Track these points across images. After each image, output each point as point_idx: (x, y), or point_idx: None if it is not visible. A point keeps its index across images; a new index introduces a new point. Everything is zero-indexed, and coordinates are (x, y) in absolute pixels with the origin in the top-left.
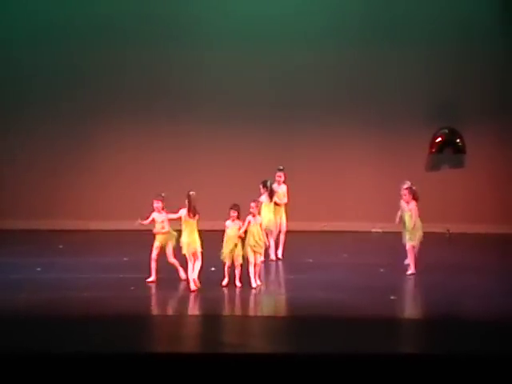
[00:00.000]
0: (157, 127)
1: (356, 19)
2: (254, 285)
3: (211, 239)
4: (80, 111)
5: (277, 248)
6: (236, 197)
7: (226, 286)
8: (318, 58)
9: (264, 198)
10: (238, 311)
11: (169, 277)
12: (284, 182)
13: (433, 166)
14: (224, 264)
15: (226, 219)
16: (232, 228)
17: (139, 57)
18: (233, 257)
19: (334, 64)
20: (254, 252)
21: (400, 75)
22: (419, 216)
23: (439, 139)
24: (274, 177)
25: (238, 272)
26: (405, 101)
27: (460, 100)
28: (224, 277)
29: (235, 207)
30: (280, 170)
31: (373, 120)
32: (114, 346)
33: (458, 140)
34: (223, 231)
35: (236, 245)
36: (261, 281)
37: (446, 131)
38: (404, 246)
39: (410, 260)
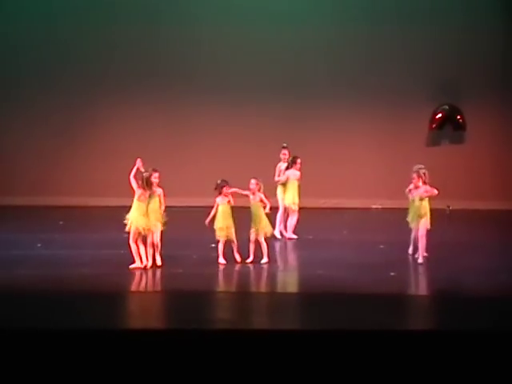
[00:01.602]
0: (155, 103)
1: None
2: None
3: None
4: (77, 87)
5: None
6: (234, 173)
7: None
8: (321, 34)
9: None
10: (238, 288)
11: (170, 254)
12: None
13: (433, 142)
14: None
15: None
16: (225, 204)
17: (134, 33)
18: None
19: (338, 40)
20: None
21: (401, 52)
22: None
23: (439, 116)
24: (279, 154)
25: (235, 247)
26: (406, 78)
27: (461, 77)
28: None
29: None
30: (284, 147)
31: (373, 97)
32: (113, 322)
33: (458, 117)
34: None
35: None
36: (255, 257)
37: (447, 107)
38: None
39: (421, 246)
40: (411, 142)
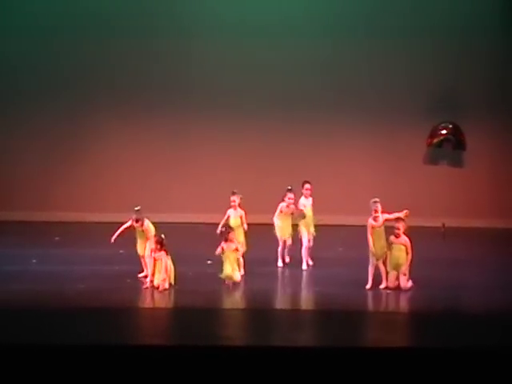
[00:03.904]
0: (153, 117)
1: (358, 11)
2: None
3: (208, 232)
4: (75, 102)
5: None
6: (234, 188)
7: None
8: (318, 50)
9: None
10: (234, 305)
11: None
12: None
13: (431, 159)
14: None
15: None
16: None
17: (136, 46)
18: None
19: (336, 56)
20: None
21: (400, 68)
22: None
23: (439, 134)
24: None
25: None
26: (405, 95)
27: (460, 95)
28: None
29: None
30: (307, 182)
31: (371, 114)
32: (109, 339)
33: (458, 136)
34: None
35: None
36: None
37: (449, 126)
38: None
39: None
40: (409, 159)
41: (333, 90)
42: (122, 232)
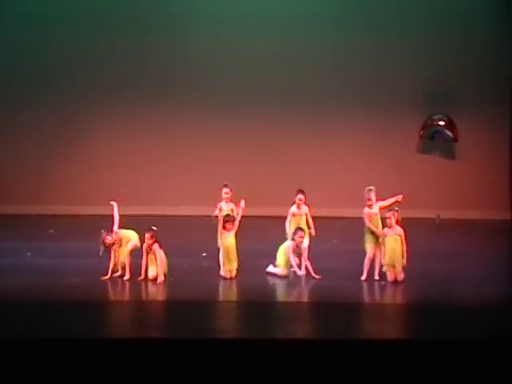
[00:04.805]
0: (145, 111)
1: (354, 5)
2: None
3: (202, 225)
4: (68, 95)
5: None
6: (228, 180)
7: None
8: (314, 43)
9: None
10: (228, 297)
11: None
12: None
13: (424, 151)
14: None
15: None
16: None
17: (130, 41)
18: None
19: (331, 48)
20: None
21: (397, 62)
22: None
23: (431, 125)
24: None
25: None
26: (398, 87)
27: (453, 87)
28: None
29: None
30: (300, 191)
31: (367, 106)
32: (103, 332)
33: (451, 127)
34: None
35: None
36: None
37: (441, 117)
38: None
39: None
40: (404, 152)
41: (329, 83)
42: (114, 263)
